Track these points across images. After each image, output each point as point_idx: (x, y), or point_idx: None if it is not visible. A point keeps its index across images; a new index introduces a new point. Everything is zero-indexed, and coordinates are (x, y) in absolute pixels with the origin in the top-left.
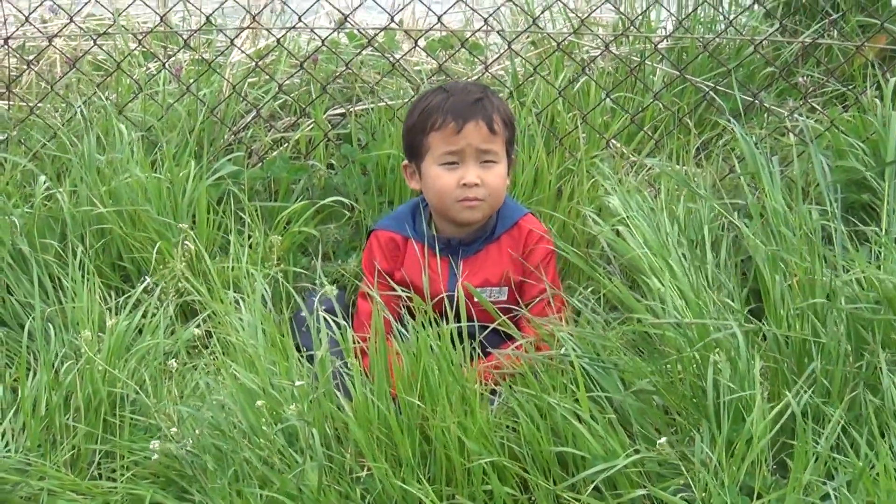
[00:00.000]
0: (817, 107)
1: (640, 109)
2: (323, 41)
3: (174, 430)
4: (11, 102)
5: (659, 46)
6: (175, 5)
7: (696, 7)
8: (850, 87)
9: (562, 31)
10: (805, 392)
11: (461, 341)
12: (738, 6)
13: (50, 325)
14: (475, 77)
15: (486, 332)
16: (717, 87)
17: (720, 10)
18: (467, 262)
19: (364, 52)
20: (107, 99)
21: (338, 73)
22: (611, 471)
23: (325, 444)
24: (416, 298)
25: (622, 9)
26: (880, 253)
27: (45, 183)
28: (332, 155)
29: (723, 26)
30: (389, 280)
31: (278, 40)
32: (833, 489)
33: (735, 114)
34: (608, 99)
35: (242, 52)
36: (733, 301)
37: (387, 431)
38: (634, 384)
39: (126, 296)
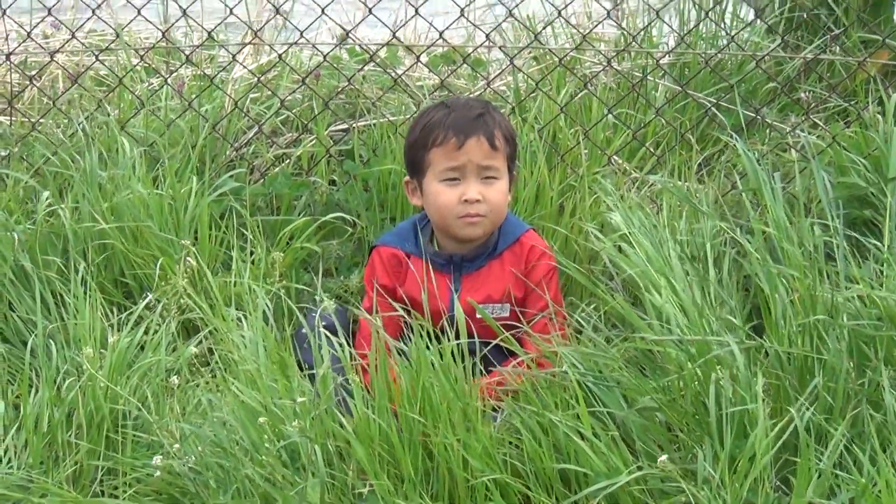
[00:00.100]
0: (819, 122)
1: (642, 125)
2: (325, 57)
3: (176, 447)
4: (13, 118)
5: (661, 62)
6: (177, 21)
7: (697, 23)
8: (853, 102)
9: (564, 47)
10: (807, 409)
11: (462, 358)
12: (741, 22)
13: (52, 341)
14: (477, 93)
15: (488, 348)
16: (720, 102)
17: (722, 25)
18: (469, 279)
19: (366, 68)
20: (108, 115)
21: (340, 89)
22: (613, 487)
23: (327, 461)
24: (418, 315)
25: (624, 24)
26: (882, 269)
27: (47, 199)
28: (334, 171)
29: (725, 42)
30: (388, 297)
31: (280, 56)
32: None
33: (737, 129)
34: (610, 115)
35: (244, 67)
36: (735, 318)
37: (389, 448)
38: (637, 401)
39: (128, 312)
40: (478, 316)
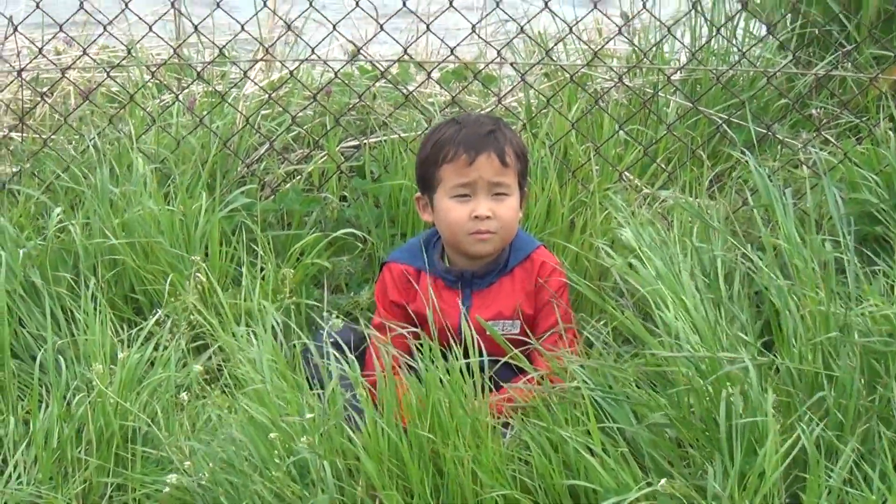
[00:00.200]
0: (831, 139)
1: (654, 141)
2: (336, 73)
3: (186, 463)
4: (25, 134)
5: (672, 78)
6: (188, 37)
7: (709, 39)
8: (864, 118)
9: (575, 63)
10: (818, 425)
11: (471, 375)
12: (752, 38)
13: (62, 357)
14: (488, 109)
15: (498, 365)
16: (731, 118)
17: (734, 41)
18: (480, 295)
19: (377, 84)
20: (120, 131)
21: (351, 106)
22: None
23: (337, 477)
24: (433, 330)
25: (635, 41)
26: (893, 285)
27: (58, 215)
28: (345, 187)
29: (736, 58)
30: (399, 313)
31: (291, 72)
32: None
33: (748, 146)
34: (621, 131)
35: (256, 84)
36: (746, 334)
37: (399, 463)
38: (647, 417)
39: (138, 328)
40: (488, 333)
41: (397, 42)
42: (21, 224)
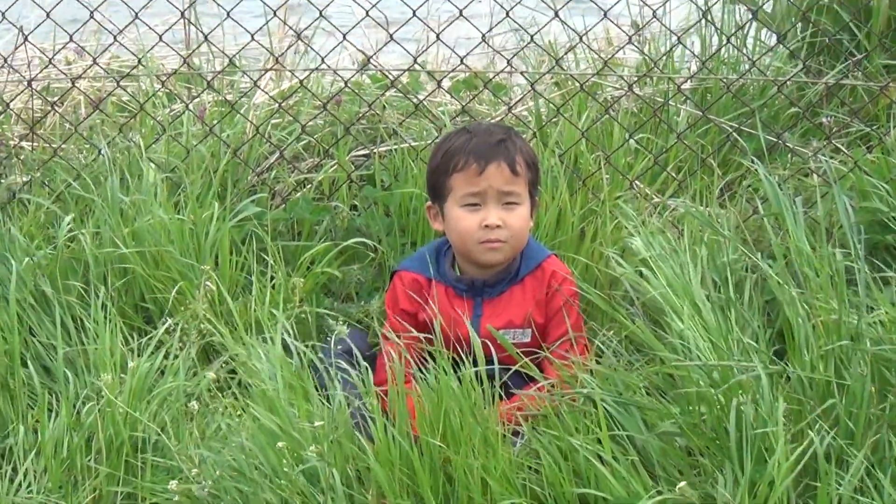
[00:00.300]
0: (841, 147)
1: (664, 150)
2: (346, 82)
3: (195, 471)
4: (35, 144)
5: (682, 87)
6: (199, 47)
7: (719, 48)
8: (875, 127)
9: (585, 72)
10: (828, 434)
11: (480, 383)
12: (763, 46)
13: (72, 365)
14: (498, 118)
15: (508, 374)
16: (741, 127)
17: (744, 50)
18: (490, 304)
19: (387, 94)
20: (131, 140)
21: (361, 115)
22: None
23: (347, 485)
24: (438, 340)
25: (646, 50)
26: None
27: (68, 224)
28: (356, 196)
29: (746, 67)
30: (410, 322)
31: (301, 82)
32: None
33: (759, 154)
34: (631, 140)
35: (266, 93)
36: (758, 342)
37: (409, 472)
38: (657, 425)
39: (148, 337)
40: (499, 342)
41: (407, 51)
42: (31, 233)
